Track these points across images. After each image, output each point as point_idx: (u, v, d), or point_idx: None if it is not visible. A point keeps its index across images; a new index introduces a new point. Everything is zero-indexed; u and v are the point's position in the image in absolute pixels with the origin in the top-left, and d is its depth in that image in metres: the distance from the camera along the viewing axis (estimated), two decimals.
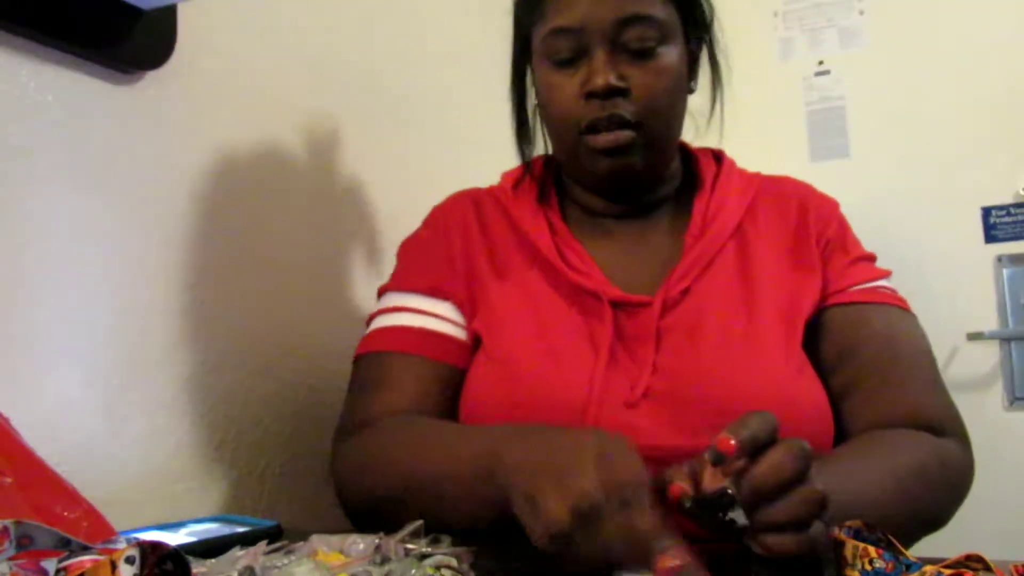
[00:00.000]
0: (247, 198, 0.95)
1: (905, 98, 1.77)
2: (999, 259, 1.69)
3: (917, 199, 1.73)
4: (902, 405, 0.75)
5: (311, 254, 1.05)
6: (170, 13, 0.83)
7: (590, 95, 0.76)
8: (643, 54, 0.76)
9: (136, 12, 0.79)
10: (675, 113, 0.81)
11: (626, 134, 0.76)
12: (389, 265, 0.92)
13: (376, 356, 0.83)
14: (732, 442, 0.51)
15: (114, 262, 0.79)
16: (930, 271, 1.68)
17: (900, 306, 0.81)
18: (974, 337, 1.65)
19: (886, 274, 0.84)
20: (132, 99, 0.82)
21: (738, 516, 0.50)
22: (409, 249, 0.90)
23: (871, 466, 0.67)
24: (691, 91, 0.85)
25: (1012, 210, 1.69)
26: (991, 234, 1.70)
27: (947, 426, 0.75)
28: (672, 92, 0.79)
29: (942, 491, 0.72)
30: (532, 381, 0.75)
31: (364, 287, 1.12)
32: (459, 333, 0.84)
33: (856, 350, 0.78)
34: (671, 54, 0.78)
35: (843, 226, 0.86)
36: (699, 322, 0.77)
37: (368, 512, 0.75)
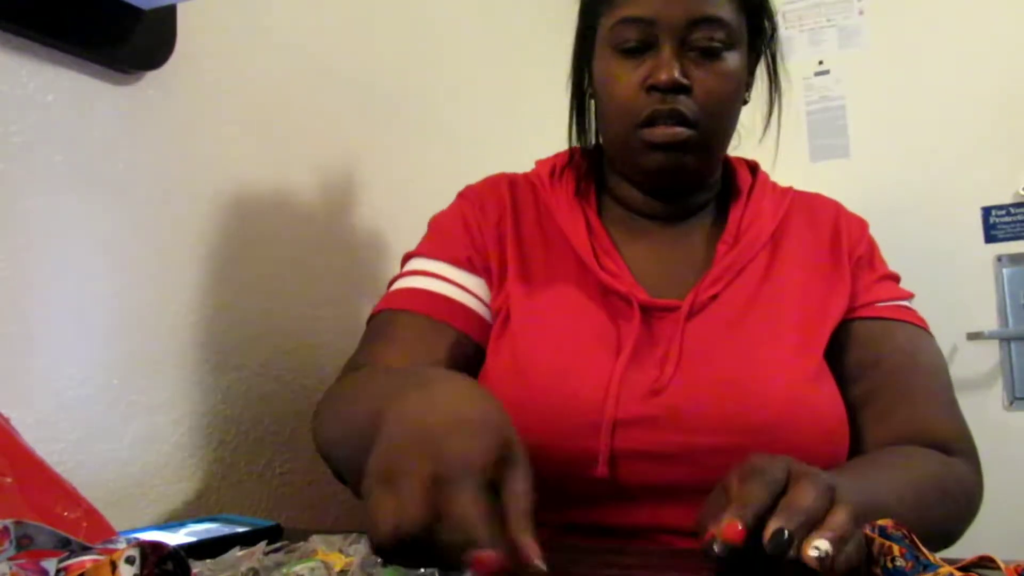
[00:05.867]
0: (247, 198, 0.95)
1: (905, 98, 1.77)
2: (999, 259, 1.69)
3: (917, 199, 1.74)
4: (917, 421, 0.77)
5: (311, 254, 1.05)
6: (170, 13, 0.83)
7: (652, 88, 0.76)
8: (709, 55, 0.76)
9: (136, 12, 0.79)
10: (731, 119, 0.82)
11: (683, 131, 0.77)
12: (389, 265, 0.92)
13: (387, 313, 0.82)
14: (740, 527, 0.48)
15: (114, 262, 0.79)
16: (930, 271, 1.68)
17: (922, 327, 0.83)
18: (974, 337, 1.65)
19: (909, 295, 0.85)
20: (132, 99, 0.82)
21: (822, 545, 0.47)
22: (442, 220, 0.88)
23: (892, 477, 0.68)
24: (745, 102, 0.85)
25: (1012, 210, 1.69)
26: (991, 234, 1.70)
27: (959, 447, 0.77)
28: (731, 97, 0.79)
29: (956, 507, 0.73)
30: (549, 375, 0.75)
31: (365, 287, 1.12)
32: (482, 309, 0.83)
33: (878, 362, 0.79)
34: (735, 59, 0.78)
35: (872, 245, 0.87)
36: (724, 327, 0.77)
37: (324, 456, 0.74)
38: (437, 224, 0.89)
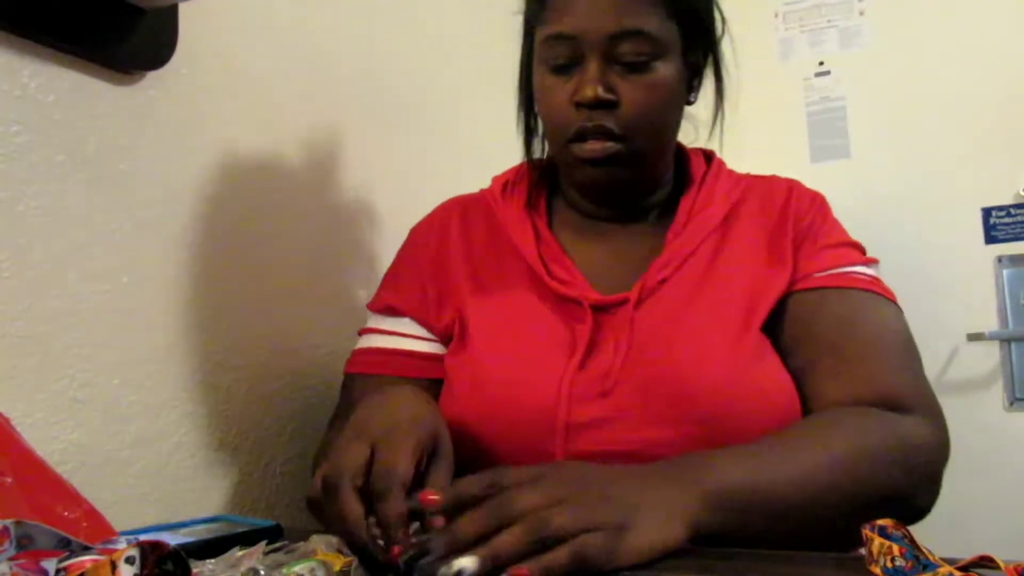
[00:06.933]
0: (247, 198, 0.95)
1: (905, 98, 1.77)
2: (999, 260, 1.69)
3: (917, 199, 1.74)
4: (859, 383, 0.73)
5: (311, 254, 1.05)
6: (171, 13, 0.83)
7: (579, 104, 0.77)
8: (636, 68, 0.77)
9: (137, 12, 0.79)
10: (665, 127, 0.82)
11: (612, 145, 0.77)
12: (389, 265, 0.92)
13: (347, 377, 0.88)
14: (432, 496, 0.54)
15: (114, 262, 0.79)
16: (930, 271, 1.68)
17: (870, 290, 0.79)
18: (974, 338, 1.65)
19: (863, 260, 0.82)
20: (133, 99, 0.82)
21: (468, 563, 0.49)
22: (389, 269, 0.93)
23: (799, 446, 0.66)
24: (690, 103, 0.85)
25: (1012, 211, 1.69)
26: (991, 235, 1.70)
27: (911, 403, 0.72)
28: (662, 107, 0.79)
29: (898, 469, 0.68)
30: (503, 388, 0.76)
31: (364, 287, 1.12)
32: (421, 346, 0.86)
33: (810, 332, 0.77)
34: (665, 69, 0.78)
35: (819, 216, 0.84)
36: (670, 313, 0.77)
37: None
38: (386, 274, 0.93)
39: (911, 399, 0.73)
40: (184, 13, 0.85)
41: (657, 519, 0.55)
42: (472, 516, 0.53)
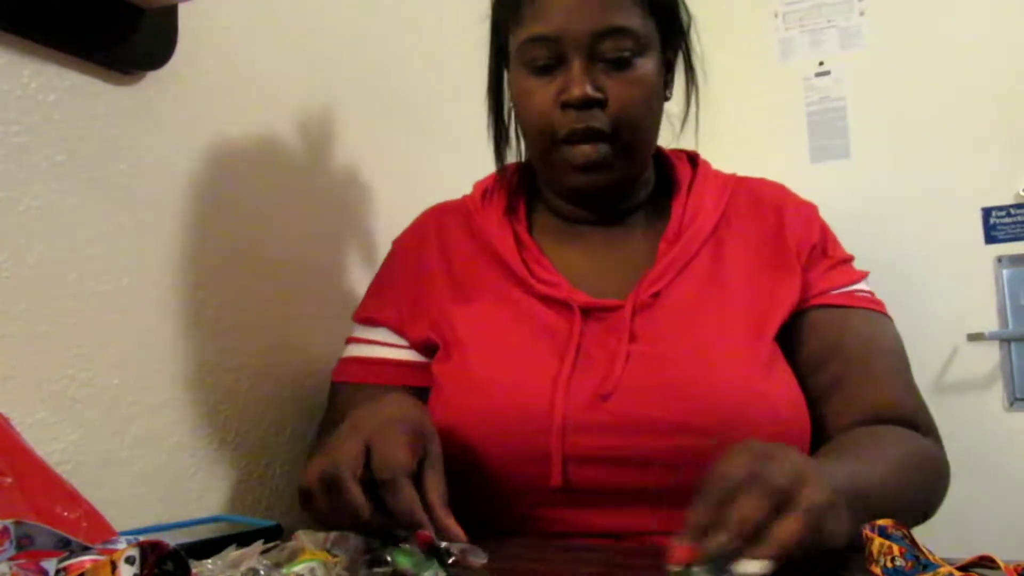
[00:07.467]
0: (247, 198, 0.95)
1: (905, 98, 1.77)
2: (999, 260, 1.69)
3: (917, 200, 1.74)
4: (883, 402, 0.77)
5: (311, 254, 1.05)
6: (171, 13, 0.83)
7: (566, 105, 0.76)
8: (619, 65, 0.77)
9: (137, 12, 0.79)
10: (650, 122, 0.82)
11: (601, 147, 0.77)
12: None
13: (334, 386, 0.90)
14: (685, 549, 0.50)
15: (114, 262, 0.79)
16: (930, 271, 1.68)
17: (877, 310, 0.83)
18: (974, 338, 1.65)
19: (864, 276, 0.85)
20: (132, 99, 0.82)
21: (759, 568, 0.47)
22: (373, 281, 0.94)
23: (872, 459, 0.68)
24: (666, 99, 0.86)
25: (1012, 211, 1.69)
26: (991, 235, 1.70)
27: (923, 426, 0.77)
28: (647, 102, 0.79)
29: (932, 484, 0.74)
30: (497, 390, 0.76)
31: (363, 287, 1.12)
32: (401, 354, 0.87)
33: (839, 349, 0.79)
34: (647, 65, 0.78)
35: (824, 231, 0.86)
36: (670, 324, 0.77)
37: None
38: (369, 286, 0.94)
39: (923, 422, 0.77)
40: (184, 13, 0.85)
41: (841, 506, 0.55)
42: (741, 502, 0.50)
